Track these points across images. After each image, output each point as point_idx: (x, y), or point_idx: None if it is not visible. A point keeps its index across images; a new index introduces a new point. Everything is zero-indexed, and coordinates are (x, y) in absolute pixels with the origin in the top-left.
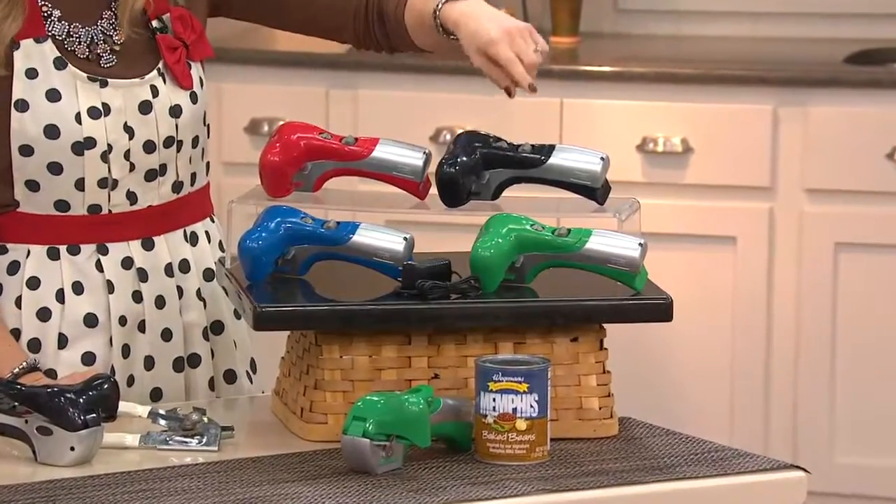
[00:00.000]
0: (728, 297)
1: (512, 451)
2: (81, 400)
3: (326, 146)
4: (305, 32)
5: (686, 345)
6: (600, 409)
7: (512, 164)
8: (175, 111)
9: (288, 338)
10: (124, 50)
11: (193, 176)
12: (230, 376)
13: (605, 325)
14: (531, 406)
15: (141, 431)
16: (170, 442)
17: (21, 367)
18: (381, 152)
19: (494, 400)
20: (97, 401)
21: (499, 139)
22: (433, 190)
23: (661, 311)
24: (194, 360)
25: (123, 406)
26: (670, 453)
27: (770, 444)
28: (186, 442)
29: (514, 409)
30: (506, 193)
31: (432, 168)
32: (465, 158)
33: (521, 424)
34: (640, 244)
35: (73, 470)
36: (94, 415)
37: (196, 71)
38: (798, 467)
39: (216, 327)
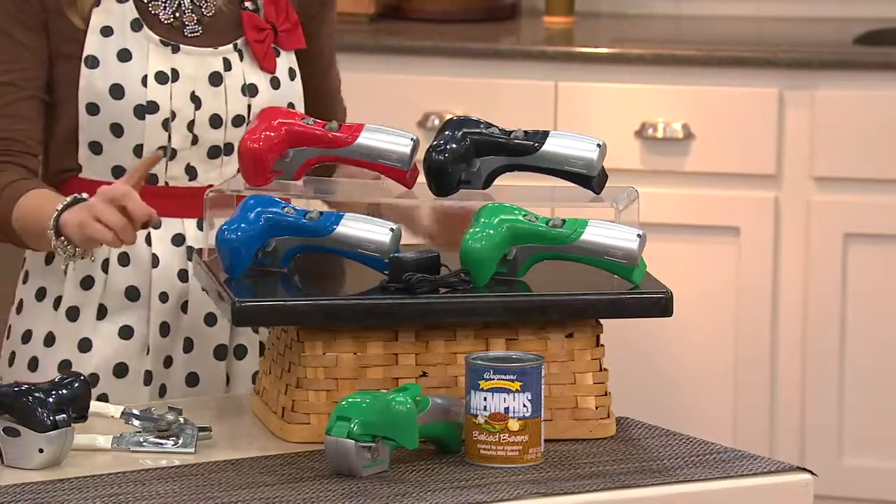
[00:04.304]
0: (731, 291)
1: (504, 453)
2: (50, 399)
3: (309, 132)
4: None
5: (687, 341)
6: (597, 408)
7: (504, 151)
8: (250, 90)
9: (269, 334)
10: (212, 23)
11: None
12: None
13: (601, 321)
14: (524, 405)
15: (114, 432)
16: (144, 443)
17: (65, 203)
18: (367, 139)
19: (485, 399)
20: (67, 400)
21: (490, 125)
22: (421, 178)
23: (660, 305)
24: (240, 352)
25: (95, 406)
26: (670, 455)
27: (775, 446)
28: (161, 443)
29: (506, 409)
30: (497, 182)
31: (420, 155)
32: (454, 145)
33: (514, 425)
34: (639, 235)
35: (41, 473)
36: (63, 415)
37: (286, 60)
38: (805, 470)
39: None
